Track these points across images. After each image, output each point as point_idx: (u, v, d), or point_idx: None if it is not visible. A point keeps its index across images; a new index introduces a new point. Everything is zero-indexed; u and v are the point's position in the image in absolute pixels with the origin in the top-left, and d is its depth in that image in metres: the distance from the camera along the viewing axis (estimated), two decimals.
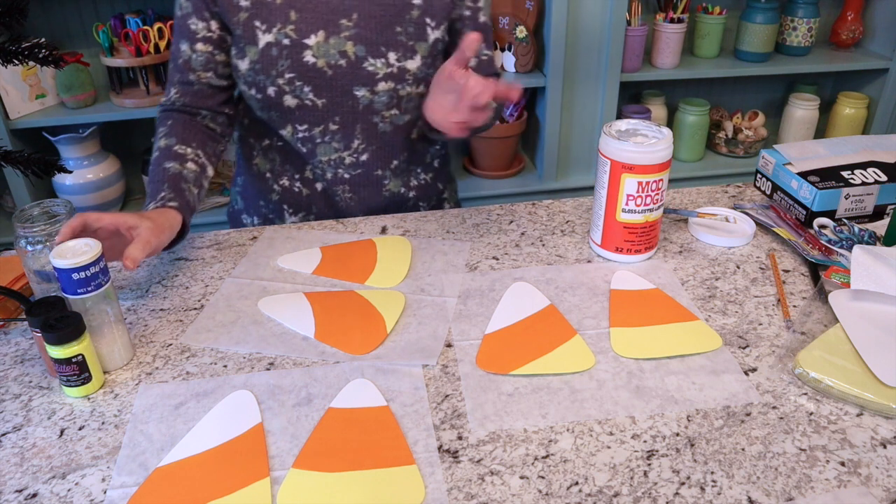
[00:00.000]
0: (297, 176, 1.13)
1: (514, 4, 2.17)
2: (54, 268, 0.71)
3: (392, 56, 1.03)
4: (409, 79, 1.04)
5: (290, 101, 1.03)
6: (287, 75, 1.01)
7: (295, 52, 1.00)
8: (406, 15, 1.03)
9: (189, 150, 1.02)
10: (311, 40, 1.00)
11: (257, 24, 0.99)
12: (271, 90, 1.02)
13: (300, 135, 1.08)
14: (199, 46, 1.04)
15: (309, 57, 1.00)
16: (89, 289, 0.73)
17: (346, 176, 1.11)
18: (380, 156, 1.11)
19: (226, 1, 1.00)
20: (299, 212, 1.16)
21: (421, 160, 1.18)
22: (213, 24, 1.03)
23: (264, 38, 1.00)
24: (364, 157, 1.10)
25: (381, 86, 1.04)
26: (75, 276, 0.71)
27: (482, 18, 1.10)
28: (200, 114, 1.08)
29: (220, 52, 1.05)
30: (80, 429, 0.69)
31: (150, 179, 0.98)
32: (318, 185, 1.12)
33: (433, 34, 1.05)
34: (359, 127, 1.08)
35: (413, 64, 1.04)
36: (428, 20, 1.04)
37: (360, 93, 1.04)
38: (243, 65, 1.02)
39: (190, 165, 1.00)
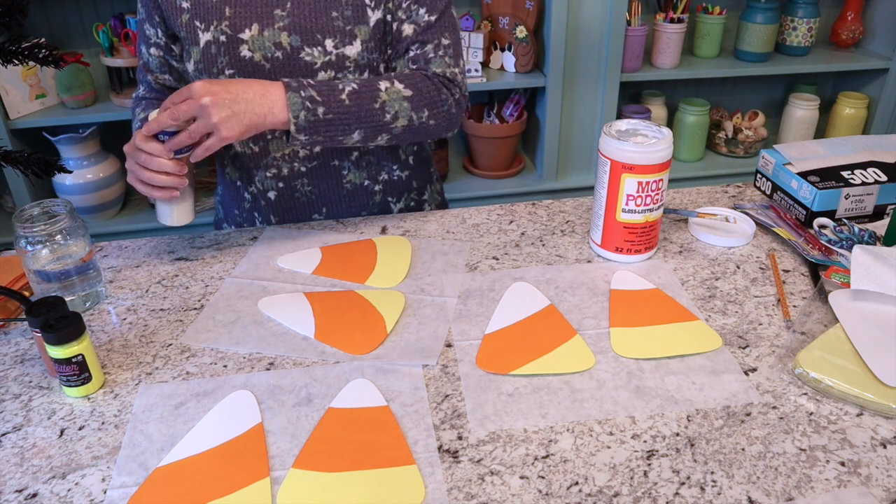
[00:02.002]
0: (263, 180, 1.12)
1: (514, 4, 2.17)
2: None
3: (329, 43, 0.99)
4: (349, 66, 1.01)
5: None
6: (227, 72, 1.00)
7: (231, 47, 0.99)
8: None
9: None
10: (246, 34, 0.99)
11: (197, 23, 1.00)
12: None
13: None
14: (153, 51, 1.07)
15: (245, 51, 0.99)
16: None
17: (303, 169, 1.09)
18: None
19: (168, 5, 1.00)
20: (269, 218, 1.15)
21: (392, 155, 1.14)
22: (160, 32, 1.04)
23: (204, 37, 1.00)
24: (318, 148, 1.07)
25: (321, 75, 1.01)
26: (162, 137, 0.90)
27: None
28: None
29: (171, 59, 1.07)
30: (80, 429, 0.69)
31: None
32: (279, 184, 1.10)
33: (374, 15, 1.00)
34: None
35: (352, 50, 1.00)
36: (367, 1, 1.00)
37: None
38: (190, 66, 1.03)
39: None
